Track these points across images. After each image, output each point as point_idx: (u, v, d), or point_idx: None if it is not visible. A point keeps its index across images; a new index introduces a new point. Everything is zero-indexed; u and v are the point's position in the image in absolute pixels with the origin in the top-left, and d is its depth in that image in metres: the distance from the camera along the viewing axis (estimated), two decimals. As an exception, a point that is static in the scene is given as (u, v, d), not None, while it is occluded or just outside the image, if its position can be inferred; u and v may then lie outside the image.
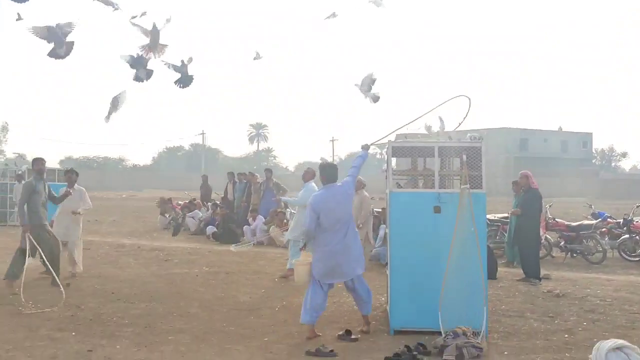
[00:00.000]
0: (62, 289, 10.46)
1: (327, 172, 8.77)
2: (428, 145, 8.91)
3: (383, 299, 10.57)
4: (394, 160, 9.12)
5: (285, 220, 19.55)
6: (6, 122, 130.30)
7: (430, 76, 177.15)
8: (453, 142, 8.90)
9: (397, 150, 8.92)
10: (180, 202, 27.09)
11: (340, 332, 8.46)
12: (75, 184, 13.31)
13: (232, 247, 13.57)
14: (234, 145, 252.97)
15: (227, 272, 13.92)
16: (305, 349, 7.76)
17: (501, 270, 14.03)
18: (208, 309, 10.12)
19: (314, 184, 12.64)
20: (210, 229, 21.45)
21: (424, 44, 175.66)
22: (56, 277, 11.11)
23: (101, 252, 17.09)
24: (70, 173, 13.69)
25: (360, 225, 14.62)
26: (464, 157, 8.59)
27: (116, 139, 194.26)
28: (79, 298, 10.70)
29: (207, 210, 23.94)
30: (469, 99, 8.93)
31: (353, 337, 8.35)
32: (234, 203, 22.86)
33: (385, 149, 9.37)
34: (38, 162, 12.00)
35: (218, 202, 24.10)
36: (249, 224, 20.48)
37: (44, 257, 11.19)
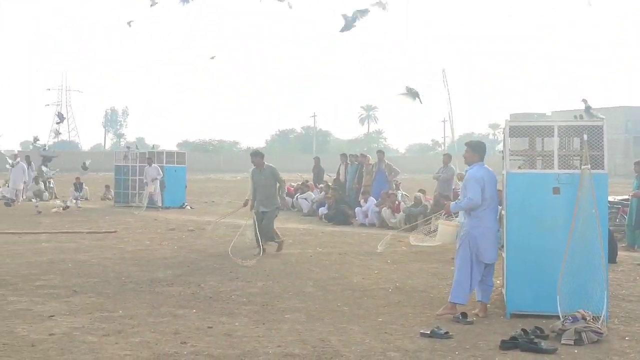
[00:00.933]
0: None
1: (483, 148, 8.84)
2: (547, 124, 8.69)
3: (498, 282, 10.41)
4: (511, 141, 8.93)
5: (396, 202, 19.51)
6: (127, 107, 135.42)
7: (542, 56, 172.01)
8: (573, 121, 8.65)
9: (514, 130, 8.73)
10: (293, 184, 27.47)
11: (456, 315, 8.40)
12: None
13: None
14: (345, 128, 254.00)
15: (339, 253, 14.04)
16: (420, 330, 7.75)
17: (621, 254, 13.54)
18: (322, 288, 10.25)
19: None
20: (323, 210, 21.66)
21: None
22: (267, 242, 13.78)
23: (219, 233, 17.55)
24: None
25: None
26: (585, 136, 8.32)
27: (230, 122, 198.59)
28: (199, 277, 11.06)
29: (320, 191, 24.17)
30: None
31: (468, 319, 8.28)
32: (345, 184, 22.98)
33: (502, 129, 9.20)
34: (257, 154, 14.28)
35: (330, 184, 24.28)
36: (360, 206, 20.56)
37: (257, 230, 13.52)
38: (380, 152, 22.13)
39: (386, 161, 21.91)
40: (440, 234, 9.39)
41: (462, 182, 9.28)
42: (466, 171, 8.83)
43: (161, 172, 25.42)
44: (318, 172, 27.55)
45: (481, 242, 8.52)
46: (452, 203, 9.03)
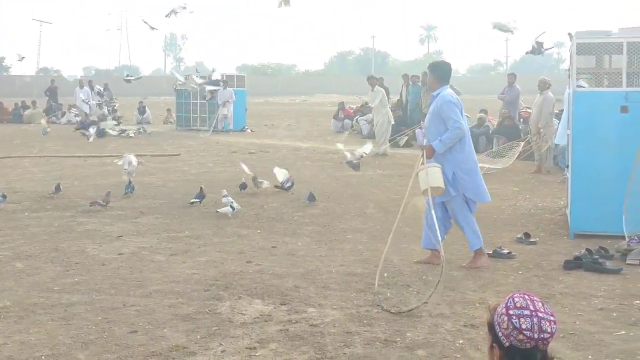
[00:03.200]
0: None
1: (442, 70, 7.41)
2: (616, 41, 8.40)
3: (562, 202, 10.30)
4: (578, 59, 8.66)
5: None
6: (186, 32, 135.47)
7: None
8: (642, 36, 8.34)
9: (581, 48, 8.47)
10: (352, 106, 27.34)
11: (519, 235, 8.36)
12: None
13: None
14: (404, 49, 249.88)
15: (400, 175, 14.01)
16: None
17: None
18: (383, 210, 10.30)
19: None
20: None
21: None
22: None
23: (279, 155, 17.68)
24: (370, 79, 17.52)
25: (541, 127, 14.16)
26: (656, 52, 8.03)
27: (288, 45, 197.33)
28: (262, 199, 11.20)
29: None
30: None
31: (532, 240, 8.24)
32: (407, 106, 22.73)
33: (569, 46, 8.92)
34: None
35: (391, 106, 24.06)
36: (421, 127, 20.37)
37: None
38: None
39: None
40: (426, 180, 7.01)
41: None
42: (433, 98, 7.45)
43: (234, 96, 25.51)
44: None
45: (472, 181, 7.19)
46: (435, 142, 7.15)
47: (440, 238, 6.69)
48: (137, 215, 9.92)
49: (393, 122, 18.38)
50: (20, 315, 5.76)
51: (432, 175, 7.01)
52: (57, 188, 11.26)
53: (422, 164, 7.12)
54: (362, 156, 11.70)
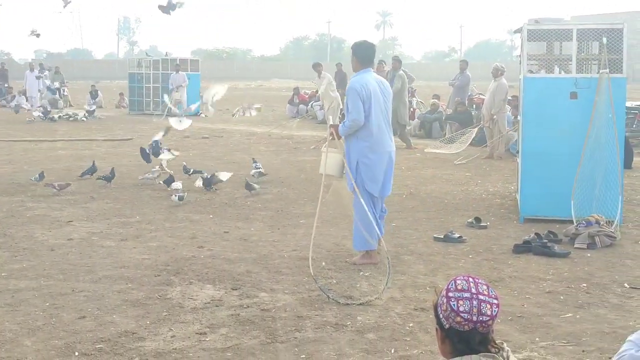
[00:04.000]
0: None
1: (364, 51, 6.90)
2: (565, 28, 8.51)
3: (512, 187, 10.43)
4: (528, 45, 8.74)
5: (411, 109, 19.38)
6: (139, 16, 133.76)
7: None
8: (592, 23, 8.46)
9: (532, 34, 8.55)
10: (307, 92, 27.28)
11: (470, 220, 8.45)
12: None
13: None
14: (360, 34, 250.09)
15: (355, 159, 14.03)
16: (433, 234, 7.83)
17: (637, 160, 13.48)
18: (337, 195, 10.28)
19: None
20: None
21: None
22: None
23: (233, 140, 17.60)
24: (316, 65, 18.34)
25: (494, 114, 14.30)
26: (604, 40, 8.16)
27: (244, 30, 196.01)
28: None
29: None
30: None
31: (482, 224, 8.33)
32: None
33: (519, 34, 9.01)
34: None
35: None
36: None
37: None
38: (396, 59, 21.83)
39: (402, 69, 21.63)
40: (325, 164, 6.90)
41: None
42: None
43: (187, 79, 25.26)
44: (342, 78, 27.10)
45: (372, 172, 6.75)
46: (341, 124, 6.89)
47: (378, 231, 6.65)
48: (87, 200, 9.77)
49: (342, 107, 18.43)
50: (-35, 302, 5.64)
51: (330, 160, 6.85)
52: (41, 175, 10.83)
53: (328, 145, 6.98)
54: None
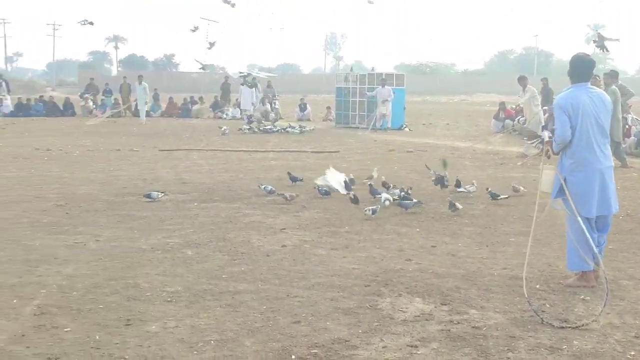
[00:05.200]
0: None
1: (577, 66, 6.61)
2: None
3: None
4: None
5: (626, 127, 18.35)
6: (345, 32, 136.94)
7: None
8: None
9: None
10: (513, 107, 26.65)
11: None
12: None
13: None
14: (569, 48, 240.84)
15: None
16: None
17: None
18: (549, 213, 9.94)
19: None
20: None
21: None
22: None
23: (436, 154, 17.54)
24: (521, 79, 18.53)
25: None
26: None
27: (447, 45, 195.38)
28: (421, 197, 11.11)
29: (545, 113, 23.21)
30: None
31: None
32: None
33: None
34: None
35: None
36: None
37: None
38: (610, 74, 20.77)
39: (619, 82, 20.54)
40: (542, 182, 6.59)
41: None
42: None
43: (392, 94, 25.64)
44: (547, 94, 26.30)
45: (579, 191, 6.40)
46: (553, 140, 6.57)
47: (597, 253, 6.31)
48: (298, 210, 10.14)
49: (543, 124, 17.83)
50: (191, 300, 6.03)
51: (544, 178, 6.56)
52: (294, 178, 12.16)
53: (544, 162, 6.71)
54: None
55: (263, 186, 11.30)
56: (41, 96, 38.26)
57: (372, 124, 25.30)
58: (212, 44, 25.45)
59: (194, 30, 25.48)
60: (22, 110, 33.01)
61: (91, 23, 26.66)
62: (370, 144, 20.65)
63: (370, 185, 11.14)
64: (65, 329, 5.31)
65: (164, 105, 34.98)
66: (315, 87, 68.44)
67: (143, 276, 6.73)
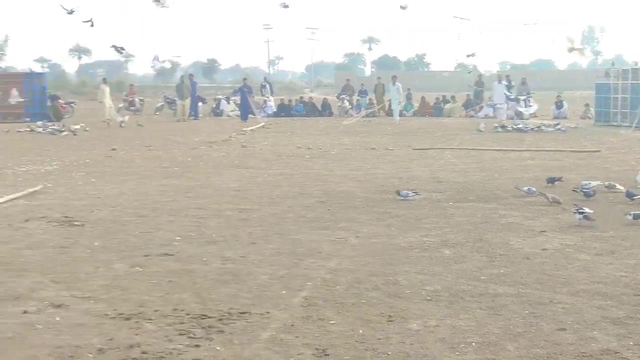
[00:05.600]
0: None
1: None
2: None
3: None
4: None
5: None
6: (604, 25, 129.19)
7: None
8: None
9: None
10: None
11: None
12: None
13: None
14: None
15: None
16: None
17: None
18: None
19: None
20: None
21: None
22: None
23: None
24: None
25: None
26: None
27: None
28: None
29: None
30: None
31: None
32: None
33: None
34: None
35: None
36: None
37: None
38: None
39: None
40: None
41: None
42: None
43: None
44: None
45: None
46: None
47: None
48: (558, 212, 9.76)
49: None
50: (450, 300, 6.04)
51: None
52: (551, 180, 11.84)
53: None
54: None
55: (526, 188, 10.98)
56: (301, 97, 40.39)
57: (636, 121, 23.71)
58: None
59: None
60: (284, 110, 34.98)
61: (91, 24, 23.63)
62: (635, 143, 19.38)
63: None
64: (331, 322, 5.55)
65: (416, 105, 35.35)
66: (572, 84, 65.46)
67: (402, 273, 6.86)
